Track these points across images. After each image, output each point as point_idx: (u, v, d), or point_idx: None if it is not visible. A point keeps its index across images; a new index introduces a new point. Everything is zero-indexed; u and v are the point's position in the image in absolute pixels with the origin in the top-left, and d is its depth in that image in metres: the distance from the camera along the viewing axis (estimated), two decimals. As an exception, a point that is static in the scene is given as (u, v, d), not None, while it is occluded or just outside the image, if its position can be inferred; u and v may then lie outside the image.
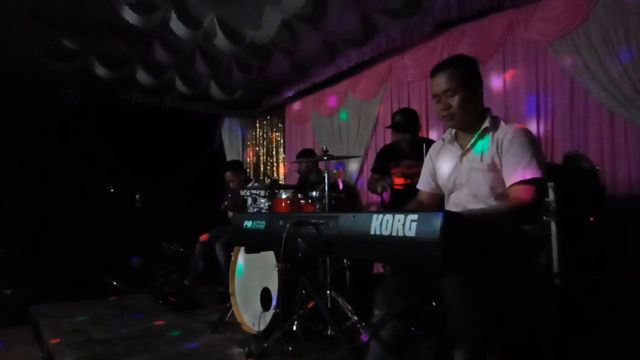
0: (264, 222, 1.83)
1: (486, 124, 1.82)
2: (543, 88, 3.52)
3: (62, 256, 5.29)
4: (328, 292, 2.85)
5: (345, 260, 3.12)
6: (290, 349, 2.57)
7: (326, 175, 2.99)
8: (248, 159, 7.51)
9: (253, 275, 3.15)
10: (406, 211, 1.24)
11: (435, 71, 1.84)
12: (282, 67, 5.25)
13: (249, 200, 4.07)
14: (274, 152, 7.37)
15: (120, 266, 5.30)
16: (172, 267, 4.70)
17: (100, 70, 4.96)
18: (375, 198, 4.86)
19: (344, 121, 5.53)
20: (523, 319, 1.86)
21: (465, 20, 3.96)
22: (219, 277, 4.17)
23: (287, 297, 2.73)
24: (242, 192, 4.31)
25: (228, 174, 4.83)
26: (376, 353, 1.70)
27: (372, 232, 1.30)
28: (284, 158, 7.15)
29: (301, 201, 3.34)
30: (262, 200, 3.50)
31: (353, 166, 5.44)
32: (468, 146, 1.85)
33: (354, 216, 1.40)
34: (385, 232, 1.26)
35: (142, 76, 5.25)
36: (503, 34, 3.73)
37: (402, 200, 2.78)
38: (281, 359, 2.56)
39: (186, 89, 5.68)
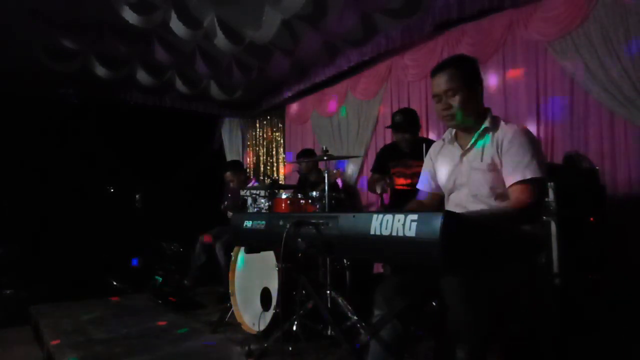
0: (264, 222, 1.83)
1: (486, 124, 1.82)
2: (543, 88, 3.52)
3: (62, 256, 5.29)
4: (328, 292, 2.85)
5: (345, 260, 3.12)
6: (290, 349, 2.57)
7: (326, 175, 2.99)
8: (248, 159, 7.51)
9: (253, 275, 3.15)
10: (406, 211, 1.24)
11: (435, 71, 1.84)
12: (282, 67, 5.25)
13: (249, 200, 4.07)
14: (274, 152, 7.37)
15: (120, 266, 5.30)
16: (172, 267, 4.70)
17: (100, 70, 4.96)
18: (375, 198, 4.86)
19: (344, 117, 5.53)
20: (523, 319, 1.86)
21: (465, 20, 3.96)
22: (219, 277, 4.17)
23: (287, 297, 2.73)
24: (242, 192, 4.31)
25: (228, 174, 4.83)
26: (376, 353, 1.70)
27: (372, 232, 1.30)
28: (284, 158, 7.15)
29: (301, 201, 3.34)
30: (262, 200, 3.50)
31: (353, 166, 5.44)
32: (468, 146, 1.85)
33: (354, 216, 1.40)
34: (385, 232, 1.26)
35: (142, 76, 5.25)
36: (503, 34, 3.73)
37: (402, 200, 2.78)
38: (281, 359, 2.56)
39: (186, 89, 5.68)
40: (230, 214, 4.54)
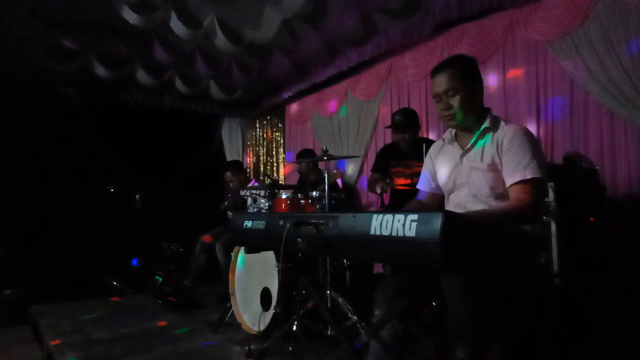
0: (264, 222, 1.83)
1: (486, 123, 1.82)
2: (543, 88, 3.52)
3: (62, 256, 5.29)
4: (328, 292, 2.85)
5: (345, 260, 3.12)
6: (290, 349, 2.57)
7: (326, 175, 2.99)
8: (248, 159, 7.51)
9: (253, 275, 3.15)
10: (406, 211, 1.24)
11: (435, 71, 1.84)
12: (282, 67, 5.25)
13: (249, 200, 4.07)
14: (274, 152, 7.37)
15: (120, 266, 5.30)
16: (172, 267, 4.70)
17: (100, 70, 4.96)
18: (375, 198, 4.86)
19: (344, 117, 5.53)
20: (523, 319, 1.86)
21: (465, 20, 3.96)
22: (219, 277, 4.17)
23: (287, 297, 2.73)
24: (242, 192, 4.31)
25: (228, 174, 4.84)
26: (376, 353, 1.70)
27: (372, 232, 1.30)
28: (284, 158, 7.15)
29: (301, 201, 3.34)
30: (262, 200, 3.50)
31: (353, 166, 5.44)
32: (468, 146, 1.85)
33: (354, 216, 1.40)
34: (385, 232, 1.26)
35: (142, 76, 5.25)
36: (503, 34, 3.73)
37: (402, 200, 2.78)
38: (281, 359, 2.56)
39: (186, 89, 5.69)
40: (230, 214, 4.55)
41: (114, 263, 5.32)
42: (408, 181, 3.56)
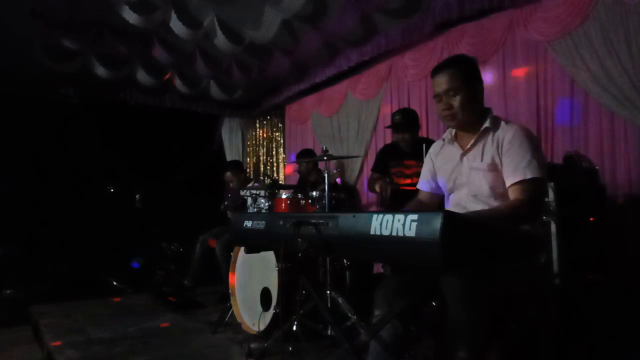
0: (264, 222, 1.83)
1: (487, 124, 1.82)
2: (543, 88, 3.52)
3: (62, 256, 5.29)
4: (328, 292, 2.85)
5: (345, 260, 3.12)
6: (290, 349, 2.57)
7: (326, 175, 2.99)
8: (248, 159, 7.51)
9: (253, 275, 3.15)
10: (406, 211, 1.24)
11: (436, 71, 1.84)
12: (282, 67, 5.25)
13: (249, 200, 4.07)
14: (274, 152, 7.37)
15: (120, 266, 5.30)
16: (172, 267, 4.70)
17: (100, 70, 4.96)
18: (375, 198, 4.86)
19: (344, 117, 5.51)
20: (523, 319, 1.86)
21: (465, 20, 3.96)
22: (219, 277, 4.17)
23: (287, 297, 2.73)
24: (242, 192, 4.31)
25: (228, 174, 4.84)
26: (376, 353, 1.70)
27: (372, 232, 1.30)
28: (284, 158, 7.15)
29: (301, 201, 3.34)
30: (262, 200, 3.50)
31: (353, 166, 5.44)
32: (468, 146, 1.85)
33: (354, 216, 1.40)
34: (385, 232, 1.26)
35: (142, 76, 5.25)
36: (503, 34, 3.73)
37: (402, 200, 2.78)
38: (281, 359, 2.56)
39: (186, 89, 5.69)
40: (230, 213, 4.55)
41: (114, 263, 5.32)
42: (408, 181, 3.56)
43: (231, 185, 4.82)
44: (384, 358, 1.68)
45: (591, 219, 2.69)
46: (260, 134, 7.53)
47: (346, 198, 3.63)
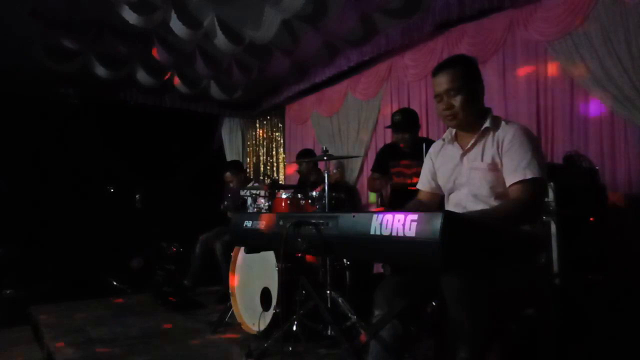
0: (264, 222, 1.83)
1: (487, 124, 1.82)
2: (543, 88, 3.52)
3: (62, 256, 5.29)
4: (328, 292, 2.85)
5: (345, 260, 3.12)
6: (290, 349, 2.57)
7: (326, 175, 2.99)
8: (248, 159, 7.51)
9: (253, 275, 3.15)
10: (406, 211, 1.24)
11: (437, 70, 1.84)
12: (282, 67, 5.25)
13: (249, 200, 4.07)
14: (274, 152, 7.37)
15: (120, 266, 5.30)
16: (172, 267, 4.70)
17: (100, 70, 4.96)
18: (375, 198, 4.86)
19: (344, 117, 5.51)
20: (523, 319, 1.86)
21: (465, 20, 3.96)
22: (219, 277, 4.17)
23: (287, 297, 2.73)
24: (242, 192, 4.31)
25: (228, 174, 4.84)
26: (376, 353, 1.70)
27: (372, 232, 1.30)
28: (284, 158, 7.14)
29: (301, 201, 3.34)
30: (262, 200, 3.50)
31: (353, 166, 5.44)
32: (468, 146, 1.85)
33: (354, 216, 1.40)
34: (385, 232, 1.26)
35: (142, 76, 5.25)
36: (503, 34, 3.73)
37: (402, 200, 2.78)
38: (281, 359, 2.56)
39: (186, 89, 5.68)
40: (230, 213, 4.54)
41: (114, 263, 5.32)
42: (408, 181, 3.56)
43: (231, 185, 4.82)
44: (384, 358, 1.68)
45: (591, 219, 2.69)
46: (260, 134, 7.53)
47: (346, 198, 3.63)
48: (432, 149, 2.09)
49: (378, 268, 3.91)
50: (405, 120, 3.57)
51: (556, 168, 2.92)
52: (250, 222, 1.89)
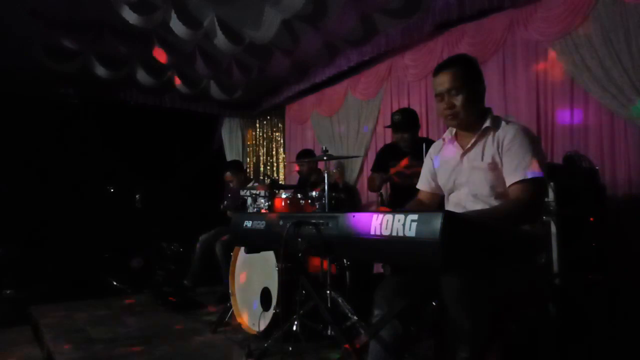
0: (264, 222, 1.83)
1: (487, 123, 1.82)
2: (543, 88, 3.52)
3: (62, 256, 5.29)
4: (328, 292, 2.85)
5: (345, 260, 3.12)
6: (290, 349, 2.57)
7: (326, 175, 2.99)
8: (248, 159, 7.52)
9: (253, 275, 3.15)
10: (406, 211, 1.24)
11: (438, 70, 1.84)
12: (282, 67, 5.25)
13: (249, 200, 4.07)
14: (274, 152, 7.37)
15: (120, 266, 5.30)
16: (172, 267, 4.70)
17: (100, 70, 4.96)
18: (375, 198, 4.86)
19: (344, 117, 5.51)
20: (523, 319, 1.86)
21: (465, 20, 3.96)
22: (219, 277, 4.17)
23: (287, 297, 2.73)
24: (242, 192, 4.31)
25: (228, 174, 4.84)
26: (376, 353, 1.70)
27: (372, 232, 1.30)
28: (284, 158, 7.14)
29: (301, 201, 3.34)
30: (262, 200, 3.50)
31: (353, 166, 5.44)
32: (469, 146, 1.85)
33: (354, 216, 1.40)
34: (385, 232, 1.26)
35: (142, 76, 5.25)
36: (503, 34, 3.73)
37: (402, 200, 2.78)
38: (281, 359, 2.56)
39: (186, 89, 5.69)
40: (230, 213, 4.55)
41: (114, 263, 5.32)
42: (408, 181, 3.55)
43: (231, 185, 4.82)
44: (384, 358, 1.68)
45: (591, 219, 2.69)
46: (260, 134, 7.53)
47: (346, 198, 3.63)
48: (432, 149, 2.09)
49: (378, 268, 3.91)
50: (405, 120, 3.56)
51: (556, 168, 2.91)
52: (250, 222, 1.90)
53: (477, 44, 3.89)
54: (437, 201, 2.07)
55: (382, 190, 4.00)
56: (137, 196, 5.52)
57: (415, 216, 1.20)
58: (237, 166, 5.01)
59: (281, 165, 7.23)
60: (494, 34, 3.79)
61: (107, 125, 6.08)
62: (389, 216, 1.26)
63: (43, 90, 5.57)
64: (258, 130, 7.53)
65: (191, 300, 4.11)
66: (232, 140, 7.40)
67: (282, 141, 7.17)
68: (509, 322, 1.73)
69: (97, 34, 4.36)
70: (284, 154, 7.09)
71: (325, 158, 2.96)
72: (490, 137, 1.81)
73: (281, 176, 7.17)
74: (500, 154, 1.75)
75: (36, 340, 3.43)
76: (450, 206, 1.91)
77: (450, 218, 1.15)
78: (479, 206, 1.76)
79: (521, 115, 3.62)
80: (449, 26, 4.10)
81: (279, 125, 7.23)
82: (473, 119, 1.83)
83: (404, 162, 3.43)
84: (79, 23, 4.24)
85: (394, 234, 1.23)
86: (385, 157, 3.75)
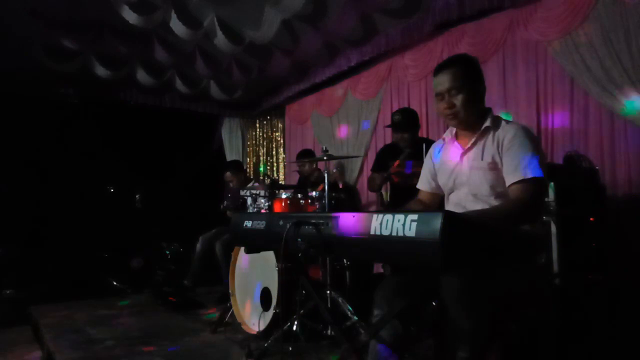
0: (264, 222, 1.83)
1: (487, 123, 1.82)
2: (543, 88, 3.52)
3: (62, 256, 5.29)
4: (328, 292, 2.85)
5: (345, 260, 3.12)
6: (290, 349, 2.57)
7: (326, 175, 2.99)
8: (248, 159, 7.51)
9: (253, 275, 3.15)
10: (406, 211, 1.24)
11: (438, 70, 1.84)
12: (282, 67, 5.25)
13: (249, 200, 4.07)
14: (274, 152, 7.37)
15: (120, 266, 5.30)
16: (172, 267, 4.70)
17: (100, 70, 4.96)
18: (375, 198, 4.86)
19: (344, 117, 5.51)
20: (523, 319, 1.86)
21: (465, 20, 3.96)
22: (219, 277, 4.17)
23: (287, 297, 2.73)
24: (242, 192, 4.31)
25: (228, 174, 4.84)
26: (376, 353, 1.70)
27: (372, 232, 1.30)
28: (284, 158, 7.14)
29: (301, 201, 3.34)
30: (262, 200, 3.50)
31: (353, 166, 5.44)
32: (469, 145, 1.85)
33: (353, 216, 1.40)
34: (385, 232, 1.26)
35: (142, 76, 5.25)
36: (503, 34, 3.73)
37: (402, 200, 2.78)
38: (281, 359, 2.56)
39: (186, 89, 5.68)
40: (230, 213, 4.54)
41: (114, 263, 5.32)
42: (408, 181, 3.55)
43: (231, 185, 4.82)
44: (384, 358, 1.68)
45: (591, 219, 2.69)
46: (260, 134, 7.53)
47: (346, 198, 3.63)
48: (432, 149, 2.09)
49: (378, 268, 3.91)
50: (405, 120, 3.56)
51: (556, 168, 2.91)
52: (250, 222, 1.89)
53: (477, 44, 3.89)
54: (437, 201, 2.07)
55: (382, 190, 4.00)
56: (137, 196, 5.52)
57: (415, 216, 1.20)
58: (237, 166, 5.01)
59: (281, 165, 7.23)
60: (494, 34, 3.79)
61: (107, 125, 6.08)
62: (389, 216, 1.26)
63: (43, 90, 5.57)
64: (258, 130, 7.53)
65: (191, 300, 4.11)
66: (232, 140, 7.40)
67: (282, 141, 7.17)
68: (509, 322, 1.73)
69: (97, 34, 4.36)
70: (284, 154, 7.09)
71: (325, 158, 2.96)
72: (490, 137, 1.81)
73: (281, 176, 7.17)
74: (500, 154, 1.75)
75: (36, 340, 3.44)
76: (450, 206, 1.91)
77: (450, 218, 1.15)
78: (479, 206, 1.76)
79: (521, 115, 3.62)
80: (449, 26, 4.10)
81: (279, 125, 7.23)
82: (473, 119, 1.83)
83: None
84: (79, 23, 4.24)
85: (394, 234, 1.23)
86: (385, 157, 3.75)
